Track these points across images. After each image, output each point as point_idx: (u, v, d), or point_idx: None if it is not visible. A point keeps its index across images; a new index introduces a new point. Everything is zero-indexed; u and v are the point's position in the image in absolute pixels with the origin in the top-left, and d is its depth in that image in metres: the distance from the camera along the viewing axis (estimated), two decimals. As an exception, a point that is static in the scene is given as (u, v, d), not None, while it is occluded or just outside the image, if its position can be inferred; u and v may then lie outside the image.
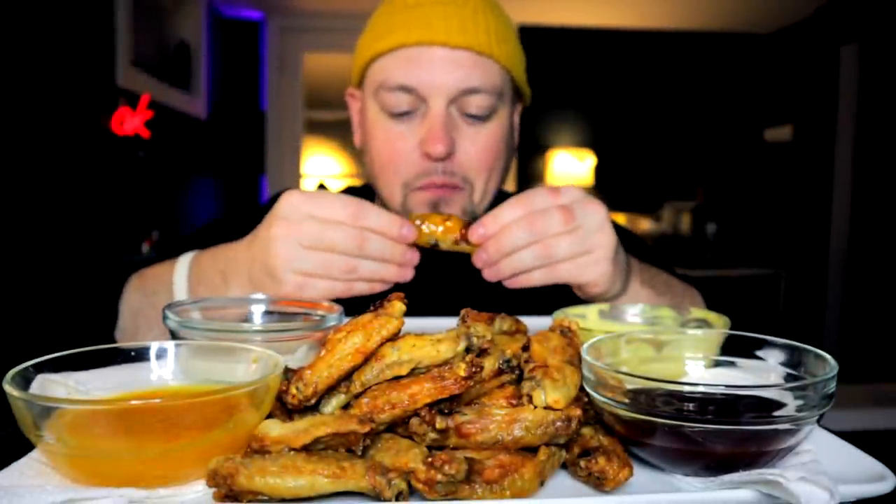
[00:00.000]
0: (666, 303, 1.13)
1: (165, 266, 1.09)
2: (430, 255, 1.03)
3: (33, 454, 0.57)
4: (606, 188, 5.60)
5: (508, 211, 0.97)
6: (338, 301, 0.87)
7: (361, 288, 0.97)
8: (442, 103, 1.19)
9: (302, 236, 0.92)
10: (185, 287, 1.04)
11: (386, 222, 0.95)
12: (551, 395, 0.58)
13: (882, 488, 0.53)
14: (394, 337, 0.62)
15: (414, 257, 0.99)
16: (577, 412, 0.58)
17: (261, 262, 0.95)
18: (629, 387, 0.57)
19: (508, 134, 1.31)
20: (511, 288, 1.01)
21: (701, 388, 0.57)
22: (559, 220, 0.96)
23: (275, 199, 1.05)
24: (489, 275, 1.00)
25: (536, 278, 1.00)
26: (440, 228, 1.00)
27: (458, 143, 1.21)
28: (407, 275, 0.99)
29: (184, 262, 1.06)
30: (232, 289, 1.01)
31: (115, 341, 1.07)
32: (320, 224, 0.93)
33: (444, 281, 1.25)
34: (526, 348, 0.65)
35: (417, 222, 1.00)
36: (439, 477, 0.50)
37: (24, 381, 0.57)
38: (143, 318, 1.07)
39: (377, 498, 0.51)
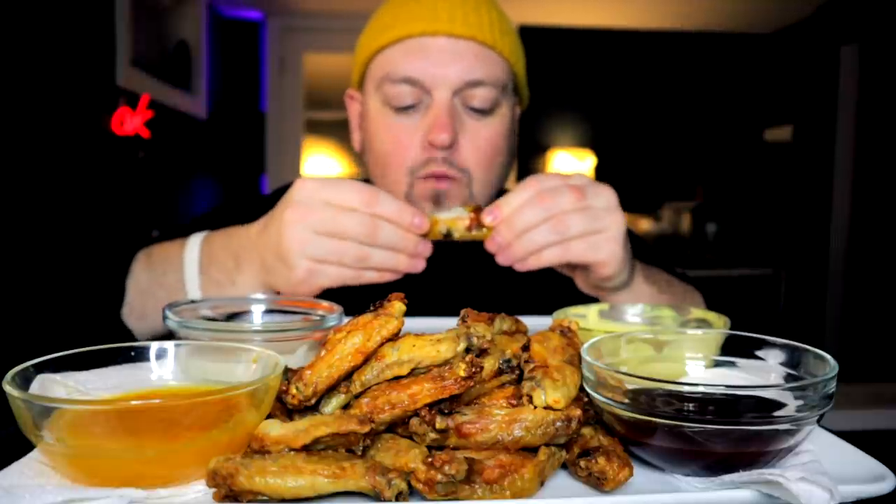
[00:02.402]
0: (667, 301, 1.13)
1: (175, 245, 1.07)
2: (434, 254, 1.02)
3: (33, 454, 0.57)
4: (606, 188, 5.60)
5: (520, 193, 0.97)
6: (339, 299, 0.88)
7: (371, 276, 0.97)
8: (446, 94, 1.20)
9: (315, 222, 0.92)
10: (196, 268, 1.03)
11: (398, 210, 0.94)
12: (551, 395, 0.58)
13: (882, 488, 0.53)
14: (394, 337, 0.62)
15: (426, 249, 0.97)
16: (577, 412, 0.58)
17: (274, 246, 0.95)
18: (629, 387, 0.57)
19: (510, 130, 1.31)
20: (523, 271, 0.99)
21: (701, 388, 0.57)
22: (571, 199, 0.95)
23: (279, 190, 1.05)
24: (503, 259, 0.98)
25: (548, 257, 0.97)
26: (452, 215, 1.00)
27: (460, 136, 1.22)
28: (418, 266, 0.97)
29: (194, 241, 1.05)
30: (244, 272, 1.01)
31: (122, 324, 1.07)
32: (334, 210, 0.92)
33: (444, 280, 1.25)
34: (526, 348, 0.65)
35: (430, 213, 1.00)
36: (439, 477, 0.50)
37: (24, 381, 0.57)
38: (152, 298, 1.06)
39: (377, 498, 0.51)
